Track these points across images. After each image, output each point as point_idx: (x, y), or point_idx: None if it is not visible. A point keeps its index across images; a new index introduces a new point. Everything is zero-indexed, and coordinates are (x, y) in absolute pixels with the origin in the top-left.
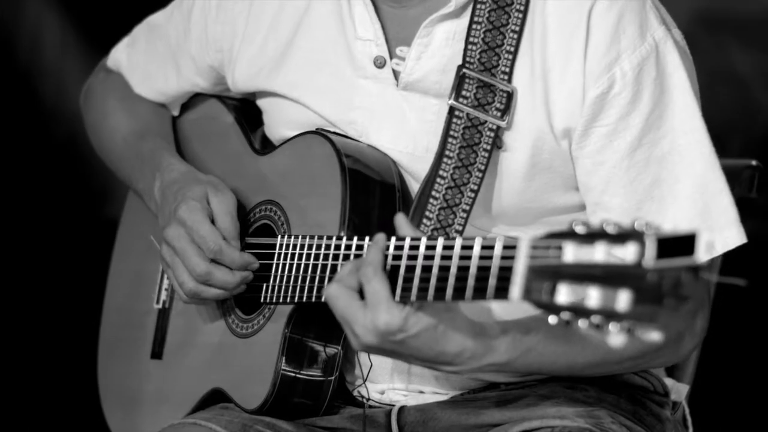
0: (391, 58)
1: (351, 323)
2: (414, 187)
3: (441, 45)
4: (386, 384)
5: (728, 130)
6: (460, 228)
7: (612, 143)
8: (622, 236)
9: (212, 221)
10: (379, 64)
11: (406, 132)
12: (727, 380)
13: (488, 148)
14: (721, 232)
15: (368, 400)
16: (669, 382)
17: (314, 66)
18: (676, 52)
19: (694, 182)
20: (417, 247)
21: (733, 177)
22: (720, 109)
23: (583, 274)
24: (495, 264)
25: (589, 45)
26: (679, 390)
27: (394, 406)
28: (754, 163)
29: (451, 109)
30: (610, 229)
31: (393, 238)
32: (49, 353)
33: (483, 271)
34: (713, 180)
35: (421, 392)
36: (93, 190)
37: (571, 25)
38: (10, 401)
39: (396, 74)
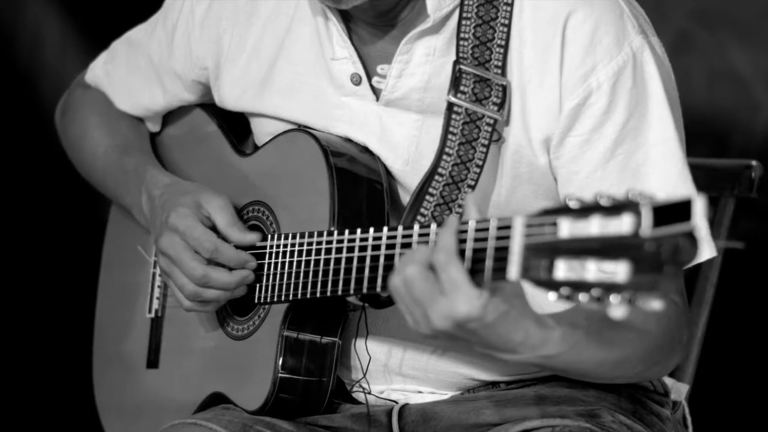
0: (370, 76)
1: (426, 307)
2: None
3: (421, 62)
4: (383, 385)
5: (728, 130)
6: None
7: (585, 153)
8: (616, 208)
9: (209, 227)
10: (356, 81)
11: (387, 146)
12: (727, 380)
13: (486, 143)
14: None
15: (368, 393)
16: (669, 381)
17: (297, 87)
18: (653, 61)
19: (667, 194)
20: (410, 235)
21: (733, 177)
22: (720, 109)
23: (581, 249)
24: (491, 245)
25: (565, 57)
26: (679, 389)
27: (395, 404)
28: (754, 163)
29: (450, 106)
30: (604, 202)
31: (385, 228)
32: (46, 356)
33: (479, 253)
34: (685, 193)
35: (420, 392)
36: (93, 190)
37: (546, 37)
38: (4, 404)
39: (377, 91)
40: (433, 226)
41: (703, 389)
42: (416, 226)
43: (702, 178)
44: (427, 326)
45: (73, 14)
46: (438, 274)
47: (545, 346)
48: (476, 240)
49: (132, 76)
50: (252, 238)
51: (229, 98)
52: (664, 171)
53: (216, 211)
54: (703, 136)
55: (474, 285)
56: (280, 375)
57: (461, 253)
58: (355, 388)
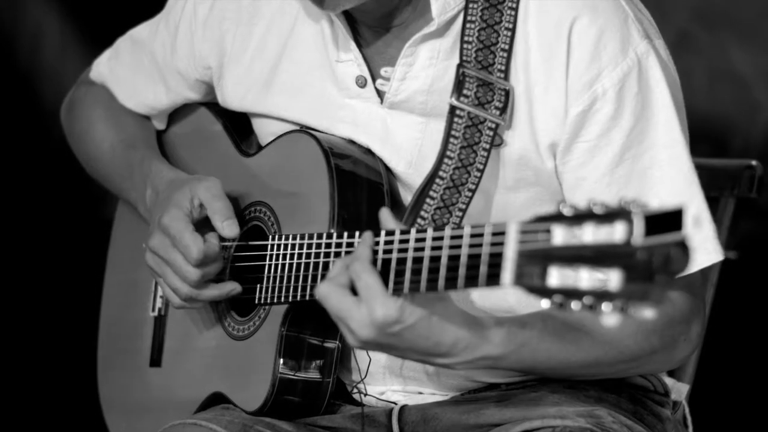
0: (375, 78)
1: (346, 320)
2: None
3: (425, 65)
4: (383, 386)
5: (728, 130)
6: (456, 226)
7: (593, 159)
8: (609, 216)
9: (196, 224)
10: (360, 83)
11: (390, 148)
12: (727, 380)
13: (487, 147)
14: (697, 248)
15: (366, 394)
16: (669, 381)
17: (300, 88)
18: (658, 66)
19: (674, 198)
20: (407, 240)
21: (733, 177)
22: (720, 109)
23: (574, 256)
24: (485, 251)
25: (570, 62)
26: (679, 389)
27: (395, 405)
28: (754, 163)
29: (452, 109)
30: (598, 210)
31: (383, 233)
32: (49, 355)
33: (474, 259)
34: (692, 196)
35: (420, 393)
36: (92, 191)
37: (552, 42)
38: (8, 403)
39: (381, 94)
40: (429, 230)
41: (703, 389)
42: (413, 231)
43: (702, 178)
44: (354, 339)
45: (73, 14)
46: (355, 284)
47: (483, 347)
48: (471, 246)
49: (136, 74)
50: (213, 245)
51: (232, 98)
52: (672, 175)
53: (210, 201)
54: (703, 136)
55: (389, 293)
56: (279, 375)
57: (455, 258)
58: (353, 392)
